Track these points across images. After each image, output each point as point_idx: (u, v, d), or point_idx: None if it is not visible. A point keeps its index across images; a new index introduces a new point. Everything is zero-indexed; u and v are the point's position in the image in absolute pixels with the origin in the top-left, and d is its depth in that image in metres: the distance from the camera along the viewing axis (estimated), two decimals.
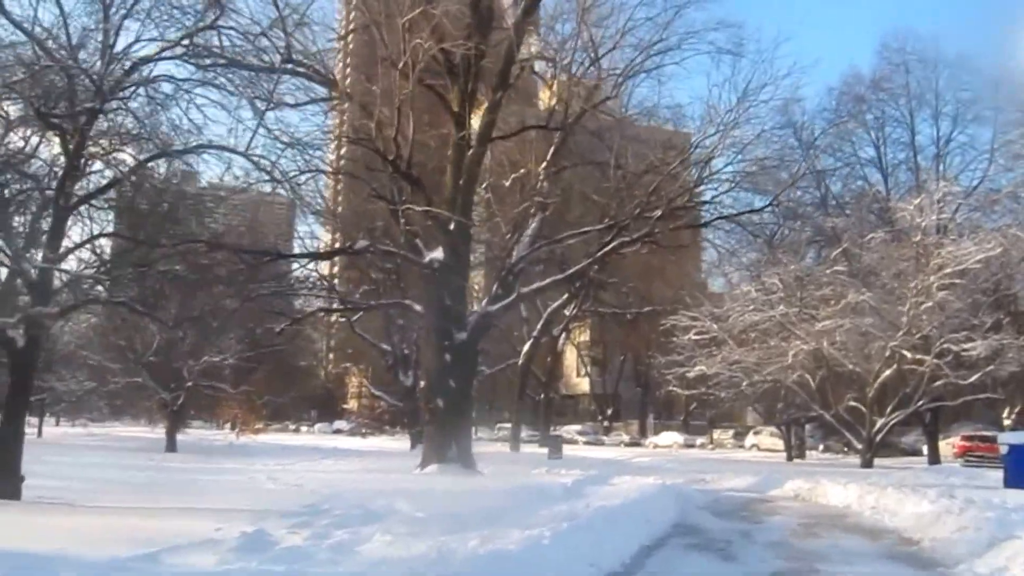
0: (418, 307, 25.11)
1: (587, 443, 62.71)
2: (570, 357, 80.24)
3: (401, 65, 20.79)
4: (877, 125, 42.91)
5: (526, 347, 46.80)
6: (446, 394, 22.90)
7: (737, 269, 39.09)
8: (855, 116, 42.07)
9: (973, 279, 31.56)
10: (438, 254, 23.21)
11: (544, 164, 26.72)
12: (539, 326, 46.68)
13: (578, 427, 69.55)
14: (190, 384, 35.25)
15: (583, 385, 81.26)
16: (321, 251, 27.36)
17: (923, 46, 43.25)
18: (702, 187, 25.48)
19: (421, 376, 46.65)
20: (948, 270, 30.94)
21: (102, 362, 35.90)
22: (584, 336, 78.12)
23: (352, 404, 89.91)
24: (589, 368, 79.76)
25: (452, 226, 23.23)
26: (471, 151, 23.00)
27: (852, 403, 34.69)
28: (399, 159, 22.18)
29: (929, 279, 31.14)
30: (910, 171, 43.58)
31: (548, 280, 24.50)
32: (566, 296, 46.68)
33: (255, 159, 15.78)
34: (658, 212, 23.92)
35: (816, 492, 19.91)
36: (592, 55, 25.31)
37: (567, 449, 48.11)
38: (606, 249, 24.99)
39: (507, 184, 27.51)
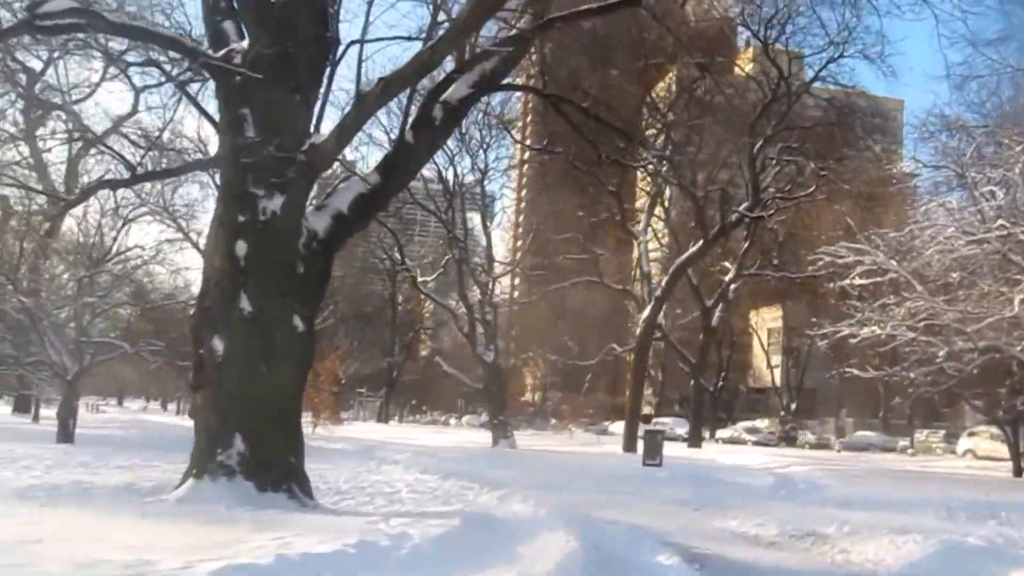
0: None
1: (756, 443, 50.60)
2: (759, 342, 68.28)
3: None
4: None
5: (646, 312, 35.31)
6: (231, 326, 11.30)
7: (929, 166, 25.72)
8: None
9: None
10: (244, 43, 11.97)
11: None
12: (662, 283, 35.22)
13: (749, 424, 56.93)
14: (74, 345, 24.49)
15: (773, 376, 68.22)
16: None
17: None
18: None
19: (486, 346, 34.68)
20: None
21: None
22: (772, 317, 65.89)
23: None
24: (777, 356, 67.03)
25: None
26: None
27: None
28: None
29: None
30: None
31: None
32: (701, 244, 34.97)
33: None
34: None
35: None
36: None
37: (731, 451, 36.78)
38: None
39: None
